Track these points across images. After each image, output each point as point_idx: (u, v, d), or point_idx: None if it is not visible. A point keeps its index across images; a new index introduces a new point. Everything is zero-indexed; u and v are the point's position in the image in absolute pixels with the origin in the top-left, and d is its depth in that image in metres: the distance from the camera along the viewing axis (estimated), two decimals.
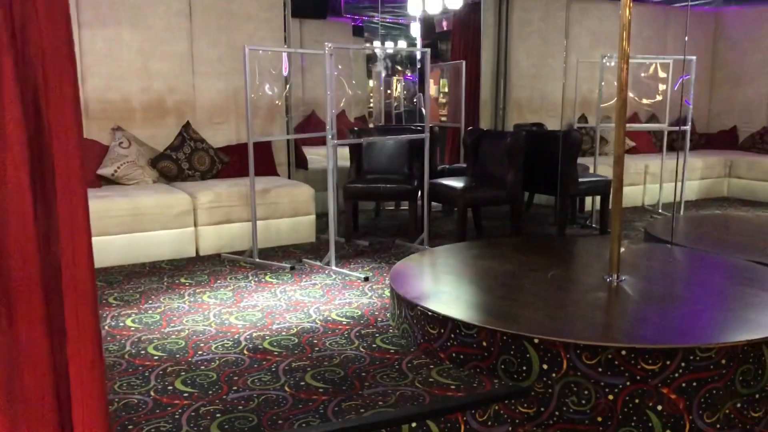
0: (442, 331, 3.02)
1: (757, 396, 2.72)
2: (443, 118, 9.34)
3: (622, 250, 4.31)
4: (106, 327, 3.48)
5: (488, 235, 5.72)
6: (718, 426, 2.66)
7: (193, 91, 5.73)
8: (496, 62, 7.89)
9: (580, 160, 6.67)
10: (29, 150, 1.45)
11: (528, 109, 7.76)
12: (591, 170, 6.32)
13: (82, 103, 5.17)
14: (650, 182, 7.28)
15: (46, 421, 1.51)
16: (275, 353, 3.13)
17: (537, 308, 3.15)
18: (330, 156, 4.53)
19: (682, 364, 2.62)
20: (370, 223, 6.37)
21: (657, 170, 7.08)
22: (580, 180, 5.48)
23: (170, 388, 2.76)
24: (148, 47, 5.48)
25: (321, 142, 5.94)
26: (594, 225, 6.10)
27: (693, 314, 3.09)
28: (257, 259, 4.78)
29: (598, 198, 5.95)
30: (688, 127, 6.44)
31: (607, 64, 6.33)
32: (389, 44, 11.09)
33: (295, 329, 3.45)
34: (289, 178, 6.24)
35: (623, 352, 2.63)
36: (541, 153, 5.66)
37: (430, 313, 3.07)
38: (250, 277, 4.43)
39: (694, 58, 6.28)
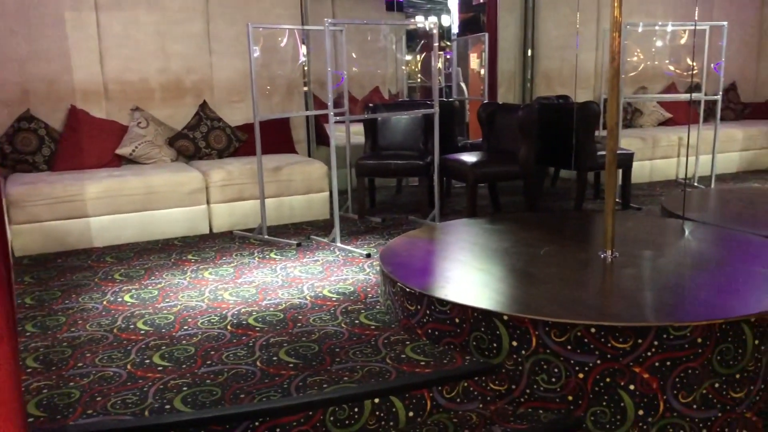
0: (419, 307, 3.00)
1: (737, 376, 2.61)
2: None
3: (630, 224, 4.20)
4: (105, 302, 3.60)
5: (505, 212, 5.63)
6: (694, 406, 2.57)
7: (210, 71, 5.81)
8: (523, 33, 7.69)
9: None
10: None
11: (557, 82, 7.55)
12: None
13: (101, 84, 5.38)
14: (685, 155, 7.00)
15: None
16: (257, 329, 3.18)
17: (516, 285, 3.10)
18: (331, 133, 4.53)
19: (655, 343, 2.53)
20: (389, 199, 6.36)
21: (692, 142, 6.79)
22: (600, 153, 5.31)
23: (147, 361, 2.84)
24: (164, 28, 5.57)
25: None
26: (617, 200, 5.91)
27: (679, 291, 2.97)
28: (266, 236, 4.85)
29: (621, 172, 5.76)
30: (719, 97, 6.14)
31: (634, 31, 6.09)
32: (432, 19, 10.96)
33: (284, 305, 3.49)
34: (309, 155, 6.29)
35: (592, 330, 2.56)
36: (560, 126, 5.51)
37: (408, 290, 3.05)
38: (255, 254, 4.50)
39: (725, 23, 5.96)
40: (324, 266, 4.18)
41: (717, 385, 2.59)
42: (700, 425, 2.59)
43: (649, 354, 2.54)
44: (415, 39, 9.75)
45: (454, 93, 8.36)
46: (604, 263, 3.37)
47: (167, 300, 3.62)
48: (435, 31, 4.98)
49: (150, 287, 3.84)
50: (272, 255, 4.47)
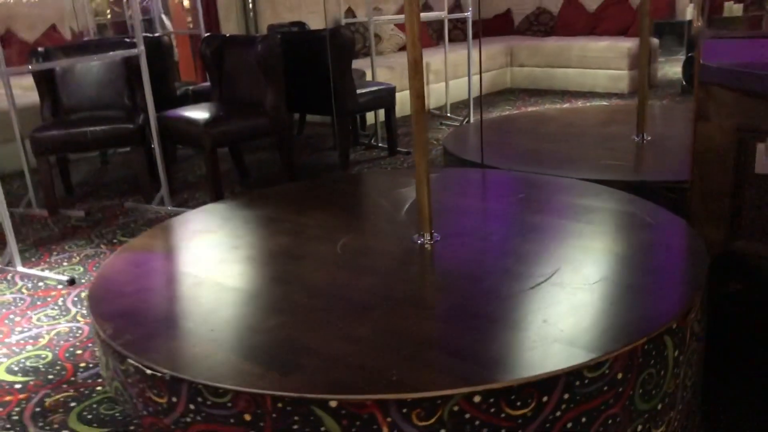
0: (175, 399, 1.74)
1: (659, 407, 1.85)
2: (192, 26, 7.74)
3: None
4: None
5: (256, 180, 4.42)
6: None
7: None
8: None
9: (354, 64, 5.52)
10: None
11: (284, 6, 6.37)
12: (369, 77, 5.21)
13: None
14: (433, 82, 6.37)
15: None
16: None
17: (329, 326, 1.92)
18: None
19: (565, 396, 1.64)
20: (94, 178, 4.74)
21: (440, 67, 6.17)
22: (359, 92, 4.34)
23: None
24: None
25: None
26: (380, 144, 5.05)
27: (564, 297, 2.00)
28: None
29: (381, 111, 4.88)
30: (469, 14, 5.52)
31: None
32: None
33: None
34: None
35: (476, 399, 1.57)
36: (306, 61, 4.41)
37: (149, 372, 1.76)
38: None
39: None
40: None
41: (640, 427, 1.80)
42: None
43: (558, 414, 1.64)
44: None
45: (156, 27, 6.80)
46: (424, 255, 2.39)
47: None
48: None
49: None
50: None
